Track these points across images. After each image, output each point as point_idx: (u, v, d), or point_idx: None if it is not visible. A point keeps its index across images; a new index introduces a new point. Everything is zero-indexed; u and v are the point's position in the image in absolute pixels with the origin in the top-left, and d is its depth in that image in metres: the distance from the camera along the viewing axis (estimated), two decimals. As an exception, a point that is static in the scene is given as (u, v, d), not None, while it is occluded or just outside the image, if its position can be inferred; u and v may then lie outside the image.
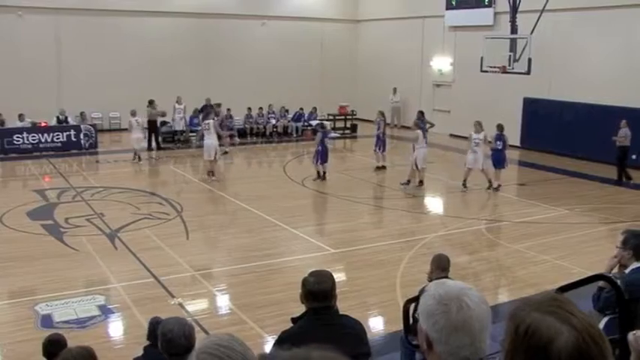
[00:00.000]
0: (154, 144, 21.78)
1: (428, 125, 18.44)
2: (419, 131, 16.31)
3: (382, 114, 19.04)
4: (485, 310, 1.79)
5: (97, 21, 24.44)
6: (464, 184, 16.09)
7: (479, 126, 15.95)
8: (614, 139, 17.20)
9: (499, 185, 16.03)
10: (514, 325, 1.53)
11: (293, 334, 4.05)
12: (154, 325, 5.11)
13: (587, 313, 1.57)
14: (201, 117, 20.51)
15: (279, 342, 4.10)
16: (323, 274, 4.14)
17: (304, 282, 4.09)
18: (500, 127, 16.28)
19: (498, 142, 16.12)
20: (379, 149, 18.78)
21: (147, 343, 5.28)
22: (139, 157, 19.56)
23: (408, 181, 16.38)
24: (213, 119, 17.69)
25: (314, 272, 4.19)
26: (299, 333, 4.02)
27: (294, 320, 4.19)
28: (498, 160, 16.14)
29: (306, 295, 4.05)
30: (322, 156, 16.88)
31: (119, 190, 15.96)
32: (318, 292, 3.99)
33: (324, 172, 17.07)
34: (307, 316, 4.08)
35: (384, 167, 18.76)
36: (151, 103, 21.53)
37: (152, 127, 21.76)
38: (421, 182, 16.46)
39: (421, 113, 18.88)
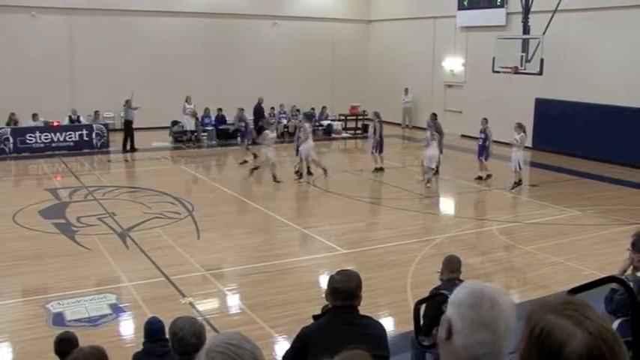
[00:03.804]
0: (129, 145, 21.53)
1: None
2: (523, 134, 16.01)
3: (378, 115, 18.84)
4: (512, 318, 1.78)
5: (109, 21, 24.56)
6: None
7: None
8: None
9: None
10: (529, 327, 1.52)
11: (313, 331, 4.04)
12: (149, 324, 5.36)
13: (603, 316, 1.55)
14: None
15: (299, 338, 4.09)
16: (349, 273, 4.14)
17: (330, 279, 4.10)
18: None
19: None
20: (376, 151, 18.48)
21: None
22: None
23: (519, 182, 16.18)
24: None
25: (341, 271, 4.19)
26: (319, 330, 4.01)
27: (315, 317, 4.18)
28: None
29: (330, 293, 4.04)
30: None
31: (130, 190, 16.05)
32: (343, 290, 3.98)
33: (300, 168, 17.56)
34: (329, 313, 4.07)
35: (382, 169, 18.34)
36: (127, 102, 21.49)
37: (128, 128, 21.55)
38: (519, 183, 16.15)
39: (434, 115, 18.74)
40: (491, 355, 1.75)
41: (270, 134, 17.03)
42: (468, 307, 1.77)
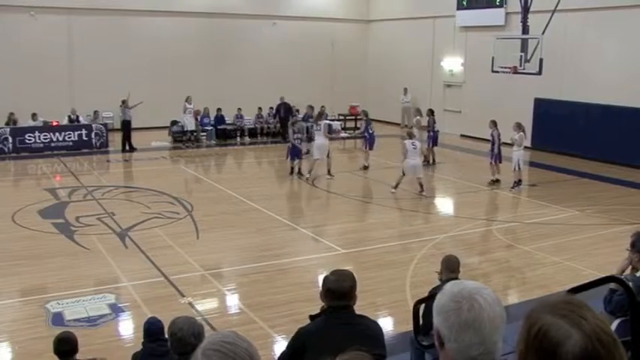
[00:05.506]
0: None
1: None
2: (522, 133, 15.94)
3: (366, 114, 19.55)
4: (498, 312, 1.78)
5: (109, 21, 24.54)
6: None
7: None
8: None
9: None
10: (527, 326, 1.53)
11: (309, 331, 4.05)
12: (148, 324, 5.37)
13: (602, 316, 1.56)
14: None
15: (296, 338, 4.09)
16: (344, 273, 4.14)
17: (325, 280, 4.10)
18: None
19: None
20: (365, 148, 19.03)
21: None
22: None
23: (518, 182, 16.19)
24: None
25: (335, 271, 4.19)
26: (315, 330, 4.02)
27: (311, 317, 4.19)
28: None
29: (325, 293, 4.05)
30: (291, 152, 17.65)
31: (130, 189, 16.04)
32: (338, 290, 3.99)
33: (298, 169, 17.69)
34: (325, 314, 4.08)
35: (366, 167, 18.77)
36: (123, 102, 21.46)
37: (126, 128, 21.52)
38: (519, 182, 16.15)
39: (431, 111, 19.10)
40: (486, 354, 1.76)
41: (410, 145, 15.63)
42: (449, 312, 1.78)
